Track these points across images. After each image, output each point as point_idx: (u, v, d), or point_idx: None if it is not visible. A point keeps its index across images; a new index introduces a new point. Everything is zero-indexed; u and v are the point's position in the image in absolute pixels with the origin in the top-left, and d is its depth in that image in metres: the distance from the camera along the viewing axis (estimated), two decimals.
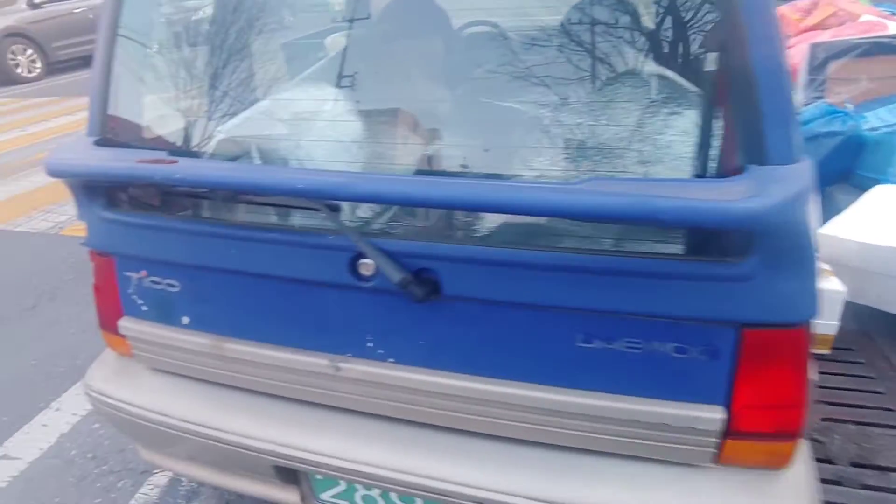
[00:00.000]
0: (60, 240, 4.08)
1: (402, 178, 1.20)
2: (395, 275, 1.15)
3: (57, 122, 7.04)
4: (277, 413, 1.44)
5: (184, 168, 1.16)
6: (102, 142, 1.37)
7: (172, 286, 1.44)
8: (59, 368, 2.77)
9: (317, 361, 1.34)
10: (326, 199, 1.18)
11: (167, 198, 1.41)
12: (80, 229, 1.47)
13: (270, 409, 1.45)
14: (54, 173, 1.23)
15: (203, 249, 1.36)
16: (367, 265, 1.22)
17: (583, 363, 1.18)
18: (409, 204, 1.17)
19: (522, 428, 1.26)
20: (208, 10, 1.57)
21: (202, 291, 1.43)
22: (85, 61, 9.57)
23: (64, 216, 4.43)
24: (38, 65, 9.67)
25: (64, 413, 2.51)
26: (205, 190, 1.34)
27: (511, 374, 1.23)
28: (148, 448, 1.67)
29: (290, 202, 1.27)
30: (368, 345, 1.31)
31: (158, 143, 1.48)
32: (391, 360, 1.30)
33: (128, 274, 1.48)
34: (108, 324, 1.57)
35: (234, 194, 1.33)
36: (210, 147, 1.44)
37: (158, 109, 1.50)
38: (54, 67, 9.86)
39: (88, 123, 1.42)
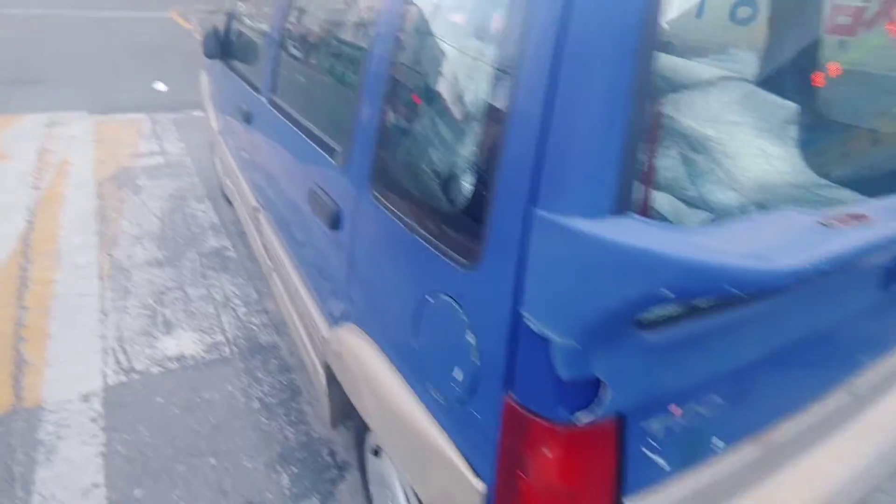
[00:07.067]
0: None
1: None
2: None
3: None
4: (812, 465, 1.31)
5: None
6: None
7: (704, 408, 1.05)
8: None
9: (838, 396, 1.33)
10: None
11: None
12: None
13: (803, 466, 1.31)
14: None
15: (764, 336, 1.07)
16: None
17: None
18: None
19: None
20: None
21: (745, 392, 1.10)
22: None
23: None
24: None
25: None
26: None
27: None
28: None
29: None
30: (860, 357, 1.37)
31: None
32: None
33: (643, 425, 0.98)
34: None
35: None
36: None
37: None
38: None
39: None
